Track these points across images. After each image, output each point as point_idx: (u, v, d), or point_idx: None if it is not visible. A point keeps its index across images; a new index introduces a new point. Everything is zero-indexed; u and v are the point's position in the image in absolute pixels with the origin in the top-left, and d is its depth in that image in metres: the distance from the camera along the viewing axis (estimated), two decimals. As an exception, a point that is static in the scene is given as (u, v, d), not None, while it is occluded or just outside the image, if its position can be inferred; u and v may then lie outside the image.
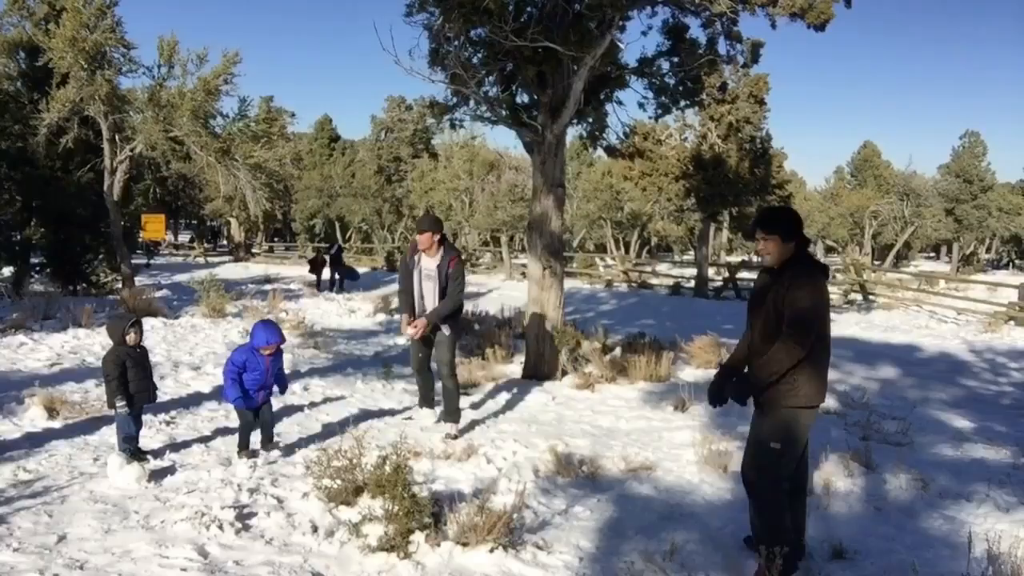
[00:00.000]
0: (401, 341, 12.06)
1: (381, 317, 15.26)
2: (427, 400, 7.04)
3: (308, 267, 25.29)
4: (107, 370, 5.42)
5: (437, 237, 6.54)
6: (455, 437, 6.47)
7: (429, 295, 6.59)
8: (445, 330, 6.59)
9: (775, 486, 3.96)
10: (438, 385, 6.96)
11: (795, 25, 8.76)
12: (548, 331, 9.33)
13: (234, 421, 6.70)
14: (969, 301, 20.53)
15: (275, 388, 6.00)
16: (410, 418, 7.05)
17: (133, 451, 5.40)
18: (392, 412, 7.35)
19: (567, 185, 10.18)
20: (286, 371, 8.99)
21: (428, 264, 6.58)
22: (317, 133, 51.44)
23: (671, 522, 4.74)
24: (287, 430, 6.52)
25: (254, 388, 5.74)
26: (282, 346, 5.97)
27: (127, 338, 5.53)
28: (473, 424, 6.96)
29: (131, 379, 5.44)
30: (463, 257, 6.99)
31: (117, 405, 5.38)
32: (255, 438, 5.94)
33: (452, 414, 6.65)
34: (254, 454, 5.77)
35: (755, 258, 56.16)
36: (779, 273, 3.90)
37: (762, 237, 3.93)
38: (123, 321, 5.65)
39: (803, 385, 3.85)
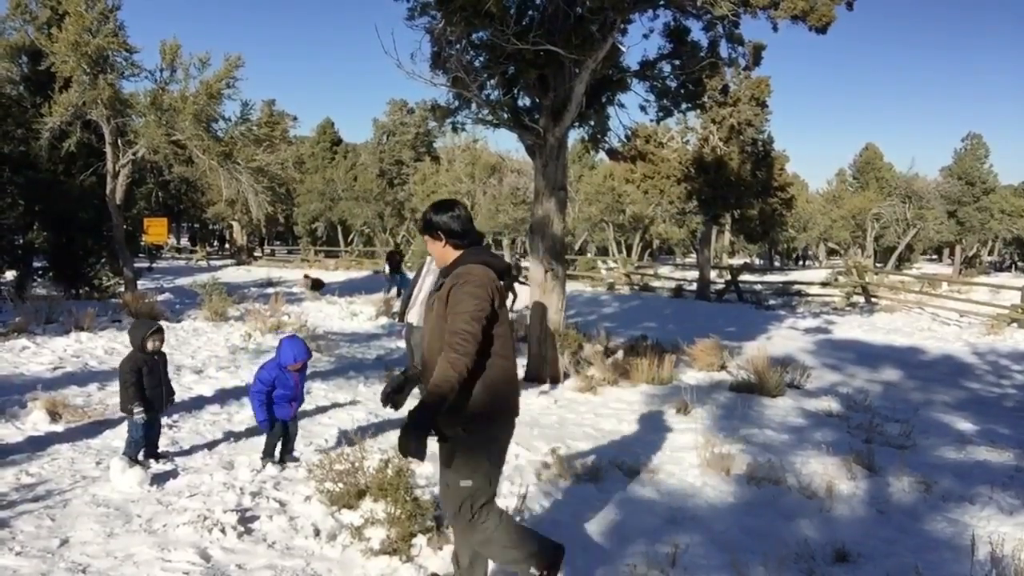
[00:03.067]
0: (403, 344, 12.05)
1: (383, 320, 15.25)
2: None
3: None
4: (123, 376, 5.42)
5: None
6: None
7: (424, 293, 6.93)
8: None
9: (486, 518, 3.40)
10: None
11: (797, 28, 8.76)
12: (550, 334, 9.33)
13: (236, 424, 6.72)
14: (972, 303, 20.50)
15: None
16: None
17: (135, 457, 5.39)
18: (394, 416, 7.33)
19: (569, 188, 10.18)
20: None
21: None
22: (319, 136, 51.45)
23: (674, 525, 4.73)
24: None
25: (284, 401, 5.64)
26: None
27: (147, 345, 5.53)
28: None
29: (145, 386, 5.44)
30: None
31: (134, 411, 5.38)
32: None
33: None
34: (276, 462, 5.65)
35: (758, 260, 56.19)
36: (446, 274, 3.50)
37: (426, 240, 3.61)
38: (144, 327, 5.65)
39: (476, 403, 3.32)
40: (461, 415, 3.30)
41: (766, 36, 46.80)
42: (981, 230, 52.41)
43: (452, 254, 3.50)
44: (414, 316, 6.91)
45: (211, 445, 6.14)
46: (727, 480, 5.61)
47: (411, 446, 3.07)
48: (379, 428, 6.81)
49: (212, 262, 42.48)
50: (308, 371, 9.26)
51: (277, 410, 5.63)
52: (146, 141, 15.81)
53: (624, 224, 44.41)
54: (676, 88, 10.71)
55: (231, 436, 6.37)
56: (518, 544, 3.44)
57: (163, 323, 12.64)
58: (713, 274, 27.44)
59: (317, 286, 22.30)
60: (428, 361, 3.40)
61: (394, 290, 17.76)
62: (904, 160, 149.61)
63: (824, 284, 27.80)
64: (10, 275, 17.02)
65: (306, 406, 7.53)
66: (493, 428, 3.42)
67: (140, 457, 5.47)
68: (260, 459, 5.67)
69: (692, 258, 46.97)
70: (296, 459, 5.80)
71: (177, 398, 6.66)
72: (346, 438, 6.03)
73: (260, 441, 6.06)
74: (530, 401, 8.20)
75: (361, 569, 3.96)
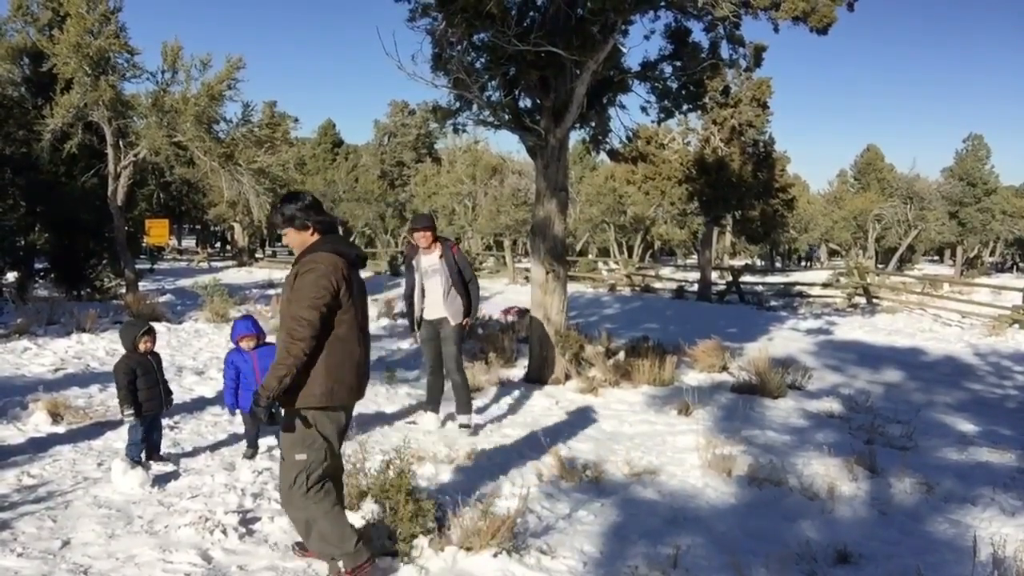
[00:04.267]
0: (404, 345, 12.06)
1: (384, 322, 15.25)
2: (434, 403, 7.04)
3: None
4: (117, 378, 5.42)
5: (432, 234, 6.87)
6: (471, 428, 6.79)
7: (436, 289, 6.78)
8: (451, 321, 6.80)
9: (322, 497, 3.63)
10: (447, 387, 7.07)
11: (798, 29, 8.76)
12: (551, 335, 9.33)
13: (238, 426, 6.71)
14: (973, 304, 20.48)
15: None
16: (413, 422, 7.03)
17: (137, 459, 5.39)
18: (395, 416, 7.34)
19: (570, 189, 10.19)
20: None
21: (429, 260, 6.81)
22: (320, 138, 51.55)
23: (675, 526, 4.73)
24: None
25: (246, 389, 5.66)
26: (271, 341, 5.79)
27: (139, 345, 5.53)
28: (477, 428, 6.95)
29: (140, 387, 5.41)
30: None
31: (124, 414, 5.39)
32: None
33: (465, 406, 6.87)
34: (142, 464, 5.40)
35: (759, 262, 56.19)
36: (297, 261, 3.68)
37: (282, 232, 3.82)
38: (135, 328, 5.65)
39: (315, 384, 3.55)
40: (300, 394, 3.55)
41: (767, 37, 46.77)
42: (982, 231, 52.40)
43: (308, 241, 3.72)
44: (432, 312, 6.89)
45: (213, 446, 6.14)
46: (728, 481, 5.61)
47: (260, 417, 3.51)
48: (380, 429, 6.81)
49: (213, 263, 42.51)
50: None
51: (242, 400, 5.69)
52: (147, 143, 15.82)
53: (625, 225, 44.37)
54: (677, 89, 10.70)
55: (233, 437, 6.37)
56: (337, 541, 3.62)
57: (165, 325, 12.68)
58: (714, 275, 27.44)
59: None
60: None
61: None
62: (905, 161, 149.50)
63: (825, 285, 27.79)
64: (12, 276, 17.03)
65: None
66: (329, 408, 3.64)
67: (142, 459, 5.46)
68: (245, 453, 5.75)
69: (693, 259, 46.99)
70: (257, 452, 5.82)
71: (179, 399, 6.67)
72: (347, 439, 6.02)
73: (263, 442, 6.07)
74: (531, 402, 8.20)
75: (362, 570, 3.96)
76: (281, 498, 3.75)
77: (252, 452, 5.79)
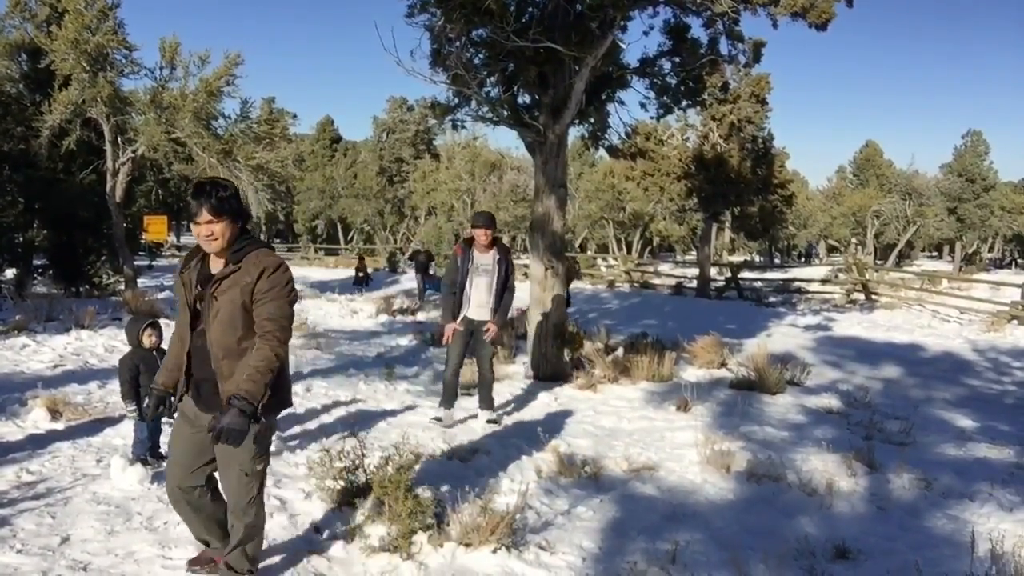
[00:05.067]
0: (403, 342, 12.06)
1: (384, 318, 15.26)
2: (452, 401, 7.08)
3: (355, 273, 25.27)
4: (120, 373, 5.40)
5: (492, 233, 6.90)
6: (498, 421, 7.04)
7: (481, 290, 6.81)
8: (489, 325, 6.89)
9: (261, 502, 3.54)
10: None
11: (797, 25, 8.77)
12: (550, 331, 9.33)
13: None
14: (972, 300, 20.49)
15: None
16: (438, 419, 6.95)
17: (142, 456, 5.37)
18: (394, 413, 7.34)
19: (569, 185, 10.19)
20: (290, 372, 9.04)
21: (483, 260, 6.83)
22: (319, 134, 51.42)
23: (674, 523, 4.74)
24: (289, 431, 6.52)
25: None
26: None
27: (143, 340, 5.50)
28: (475, 425, 6.96)
29: (143, 383, 5.35)
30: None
31: (128, 410, 5.39)
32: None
33: (490, 402, 7.13)
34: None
35: (758, 258, 56.21)
36: (235, 260, 3.28)
37: (207, 221, 3.21)
38: (140, 323, 5.60)
39: (281, 388, 3.43)
40: (273, 400, 3.34)
41: (766, 33, 46.68)
42: (981, 227, 52.35)
43: (234, 235, 3.31)
44: (475, 312, 6.86)
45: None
46: (727, 477, 5.62)
47: (238, 433, 3.06)
48: (379, 426, 6.81)
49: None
50: (308, 368, 9.33)
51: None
52: (146, 139, 15.80)
53: (624, 221, 44.41)
54: (676, 85, 10.71)
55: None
56: (254, 554, 3.60)
57: (163, 321, 12.65)
58: (713, 271, 27.43)
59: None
60: (222, 353, 3.27)
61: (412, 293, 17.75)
62: (904, 157, 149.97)
63: (824, 281, 27.81)
64: (10, 273, 16.99)
65: (307, 403, 7.54)
66: (277, 414, 3.55)
67: (147, 457, 5.45)
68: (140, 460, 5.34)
69: (692, 255, 46.99)
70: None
71: (176, 396, 6.65)
72: (346, 436, 6.03)
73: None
74: (530, 398, 8.21)
75: (361, 566, 3.96)
76: (239, 511, 3.45)
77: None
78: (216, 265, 3.36)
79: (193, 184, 3.35)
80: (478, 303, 6.84)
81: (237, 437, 3.06)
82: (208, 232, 3.24)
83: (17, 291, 15.21)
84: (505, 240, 36.09)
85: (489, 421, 6.97)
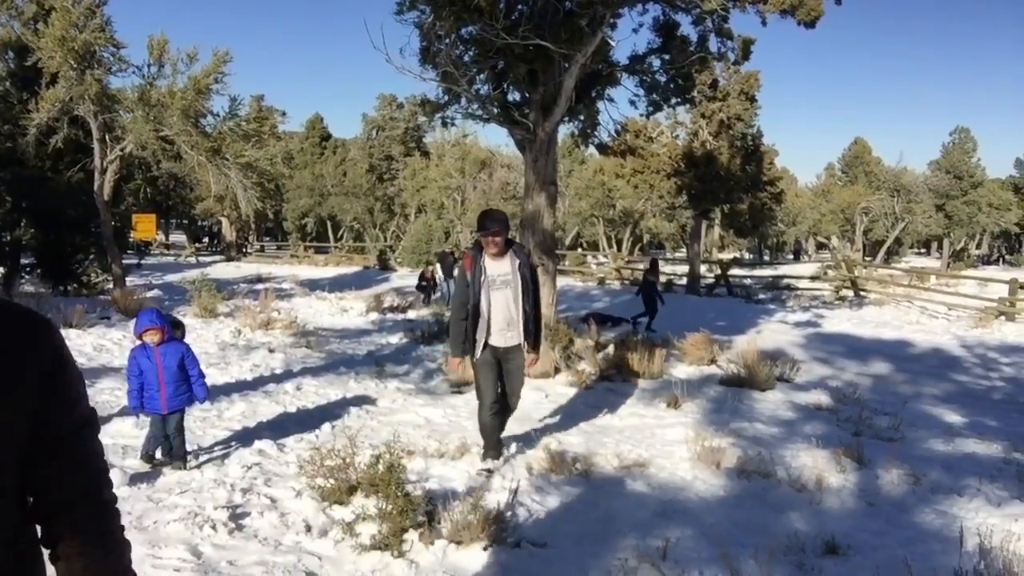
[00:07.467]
0: (393, 340, 12.03)
1: (374, 316, 15.22)
2: (498, 446, 5.75)
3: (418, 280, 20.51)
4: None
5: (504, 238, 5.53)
6: (490, 474, 5.43)
7: (502, 306, 5.50)
8: (525, 348, 5.67)
9: None
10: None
11: (785, 22, 8.81)
12: (541, 328, 9.31)
13: (227, 421, 6.71)
14: (960, 297, 20.63)
15: (197, 394, 5.41)
16: (488, 471, 5.50)
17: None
18: (385, 411, 7.33)
19: (559, 183, 10.18)
20: (279, 371, 9.02)
21: (499, 269, 5.50)
22: (308, 132, 51.20)
23: (665, 519, 4.74)
24: (279, 430, 6.50)
25: (151, 389, 5.21)
26: (181, 338, 5.53)
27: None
28: (467, 423, 6.95)
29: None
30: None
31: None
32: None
33: (499, 447, 5.81)
34: (151, 461, 5.35)
35: (747, 255, 56.37)
36: None
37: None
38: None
39: None
40: None
41: (755, 31, 46.79)
42: (969, 224, 52.70)
43: None
44: (499, 338, 5.58)
45: (200, 441, 6.12)
46: (717, 473, 5.63)
47: None
48: (370, 424, 6.80)
49: (201, 258, 42.31)
50: (299, 367, 9.30)
51: (147, 402, 5.24)
52: (134, 137, 15.73)
53: (614, 219, 44.43)
54: (666, 83, 10.73)
55: (222, 432, 6.35)
56: None
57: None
58: (703, 268, 27.51)
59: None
60: None
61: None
62: (893, 154, 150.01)
63: (813, 278, 27.92)
64: (-2, 272, 16.93)
65: (297, 402, 7.52)
66: None
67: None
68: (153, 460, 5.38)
69: (682, 253, 47.05)
70: (182, 465, 5.31)
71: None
72: (337, 434, 6.02)
73: (252, 437, 6.05)
74: (522, 395, 8.19)
75: (352, 564, 3.96)
76: None
77: (144, 458, 5.40)
78: None
79: None
80: (500, 325, 5.51)
81: None
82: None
83: (5, 290, 15.14)
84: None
85: (480, 472, 5.41)
